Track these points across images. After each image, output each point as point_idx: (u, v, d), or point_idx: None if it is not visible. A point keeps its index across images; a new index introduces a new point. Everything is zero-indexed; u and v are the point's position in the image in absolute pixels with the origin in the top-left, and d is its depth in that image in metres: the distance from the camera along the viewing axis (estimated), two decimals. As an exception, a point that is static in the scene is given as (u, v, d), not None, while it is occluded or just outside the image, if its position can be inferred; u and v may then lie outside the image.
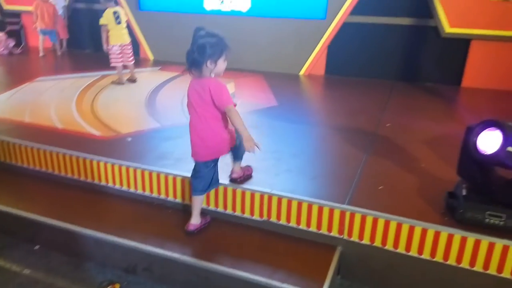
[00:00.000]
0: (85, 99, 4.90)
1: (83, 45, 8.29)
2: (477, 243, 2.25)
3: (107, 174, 3.18)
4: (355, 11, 6.10)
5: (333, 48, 6.40)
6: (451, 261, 2.33)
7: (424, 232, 2.34)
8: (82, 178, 3.30)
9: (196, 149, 2.54)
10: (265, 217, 2.73)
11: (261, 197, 2.70)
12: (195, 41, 2.33)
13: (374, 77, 6.19)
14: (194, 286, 2.48)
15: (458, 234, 2.28)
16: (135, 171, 3.06)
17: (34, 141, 3.46)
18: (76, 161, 3.27)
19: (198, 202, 2.66)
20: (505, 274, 2.25)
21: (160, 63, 7.19)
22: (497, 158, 2.18)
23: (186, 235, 2.65)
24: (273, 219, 2.71)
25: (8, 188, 3.34)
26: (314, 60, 6.52)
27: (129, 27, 5.96)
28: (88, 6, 8.05)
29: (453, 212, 2.38)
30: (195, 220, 2.68)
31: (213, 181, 2.64)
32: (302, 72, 6.63)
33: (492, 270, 2.27)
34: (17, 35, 8.62)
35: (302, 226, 2.64)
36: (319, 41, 6.39)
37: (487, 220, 2.28)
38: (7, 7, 8.65)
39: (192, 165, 2.65)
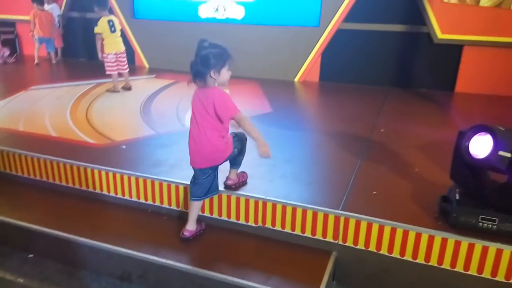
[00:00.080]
0: (79, 107, 4.90)
1: (77, 54, 8.31)
2: (470, 247, 2.26)
3: (101, 181, 3.17)
4: (348, 18, 6.17)
5: (327, 55, 6.46)
6: (446, 265, 2.34)
7: (418, 236, 2.35)
8: (77, 186, 3.29)
9: (193, 157, 2.56)
10: (260, 223, 2.74)
11: (256, 203, 2.70)
12: (199, 52, 2.38)
13: (368, 84, 6.24)
14: (189, 293, 2.47)
15: (452, 238, 2.29)
16: (129, 178, 3.06)
17: (29, 150, 3.45)
18: (70, 169, 3.26)
19: (196, 208, 2.66)
20: (499, 278, 2.26)
21: (155, 70, 7.22)
22: (488, 162, 2.20)
23: (181, 242, 2.65)
24: (268, 225, 2.71)
25: (3, 196, 3.32)
26: (309, 67, 6.56)
27: (124, 35, 5.99)
28: (82, 15, 8.09)
29: (447, 217, 2.39)
30: (191, 226, 2.67)
31: (212, 188, 2.64)
32: (296, 79, 6.67)
33: (486, 274, 2.28)
34: (12, 44, 8.64)
35: (297, 231, 2.64)
36: (313, 48, 6.45)
37: (480, 224, 2.29)
38: (1, 16, 8.66)
39: (188, 171, 2.66)
